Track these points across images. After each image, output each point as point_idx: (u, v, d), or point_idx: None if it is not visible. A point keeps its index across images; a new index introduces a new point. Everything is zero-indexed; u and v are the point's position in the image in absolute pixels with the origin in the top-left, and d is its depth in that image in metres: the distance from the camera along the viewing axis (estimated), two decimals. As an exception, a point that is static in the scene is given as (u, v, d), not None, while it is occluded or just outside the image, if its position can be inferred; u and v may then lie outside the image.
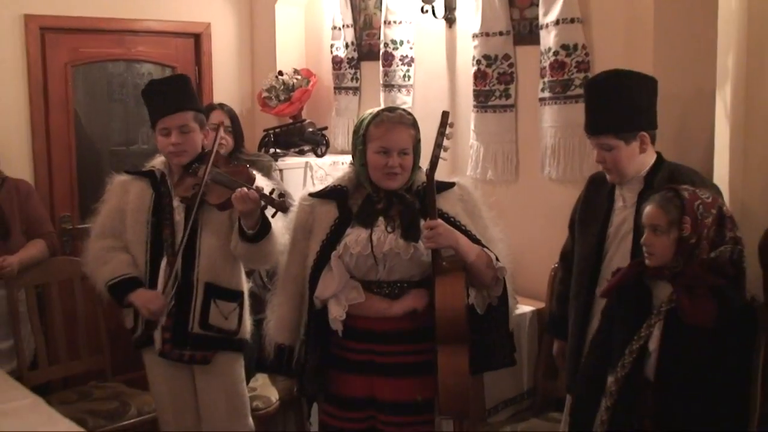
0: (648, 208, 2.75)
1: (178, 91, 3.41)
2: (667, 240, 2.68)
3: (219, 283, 3.35)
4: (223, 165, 3.34)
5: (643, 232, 2.94)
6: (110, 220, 3.44)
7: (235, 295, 3.41)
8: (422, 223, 2.84)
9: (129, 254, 3.40)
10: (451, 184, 3.00)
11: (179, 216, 3.34)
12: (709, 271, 2.64)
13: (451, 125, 2.91)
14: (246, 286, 3.50)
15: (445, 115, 2.92)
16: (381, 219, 2.91)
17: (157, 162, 3.48)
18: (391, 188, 2.91)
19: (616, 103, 3.01)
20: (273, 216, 3.17)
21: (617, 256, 3.08)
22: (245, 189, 3.07)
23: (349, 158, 4.97)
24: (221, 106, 4.50)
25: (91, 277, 3.46)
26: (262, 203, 3.10)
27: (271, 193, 3.09)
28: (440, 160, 2.87)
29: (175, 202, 3.35)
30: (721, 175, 3.41)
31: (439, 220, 2.81)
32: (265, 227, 3.17)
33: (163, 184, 3.40)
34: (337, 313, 2.90)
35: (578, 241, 3.27)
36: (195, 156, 3.36)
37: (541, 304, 4.10)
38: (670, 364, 2.65)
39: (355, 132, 2.97)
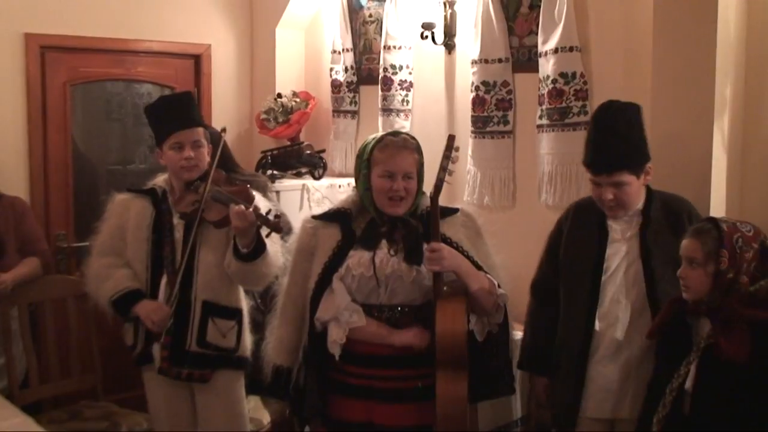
0: (685, 240, 2.68)
1: (191, 106, 3.45)
2: (703, 273, 2.61)
3: (217, 300, 3.34)
4: (224, 184, 3.34)
5: (653, 271, 2.95)
6: (111, 239, 3.44)
7: (233, 313, 3.40)
8: (425, 246, 2.83)
9: (129, 270, 3.40)
10: (455, 210, 3.01)
11: (179, 233, 3.35)
12: (748, 306, 2.54)
13: (457, 149, 2.89)
14: (246, 303, 3.48)
15: (451, 138, 2.89)
16: (384, 242, 2.91)
17: (159, 180, 3.49)
18: (395, 215, 2.90)
19: (627, 138, 2.98)
20: (267, 236, 3.17)
21: (613, 289, 3.07)
22: (243, 206, 3.06)
23: (346, 181, 5.03)
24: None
25: (93, 296, 3.45)
26: (258, 223, 3.09)
27: (268, 213, 3.09)
28: (444, 184, 2.87)
29: (175, 220, 3.36)
30: (718, 205, 3.41)
31: (442, 244, 2.81)
32: (259, 248, 3.17)
33: (164, 202, 3.40)
34: (336, 336, 2.88)
35: (567, 275, 3.22)
36: (202, 173, 3.37)
37: (536, 331, 4.07)
38: (704, 401, 2.58)
39: (359, 157, 2.97)
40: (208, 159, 3.41)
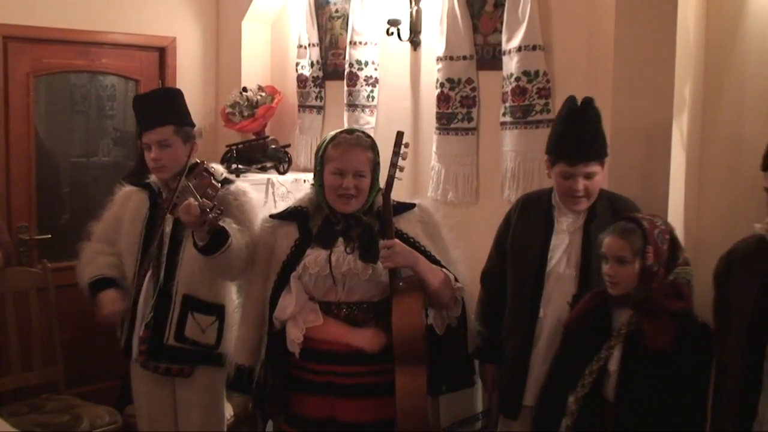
0: (610, 240, 2.81)
1: (158, 105, 3.39)
2: (632, 270, 2.76)
3: (197, 295, 3.34)
4: (202, 175, 3.18)
5: (591, 259, 3.02)
6: (106, 228, 3.50)
7: (214, 309, 3.38)
8: (380, 243, 2.86)
9: (115, 258, 3.44)
10: (412, 205, 3.03)
11: (168, 228, 3.35)
12: (670, 296, 2.72)
13: (406, 145, 2.94)
14: (232, 300, 3.44)
15: (399, 135, 2.96)
16: (341, 240, 2.93)
17: (153, 176, 3.49)
18: (346, 212, 2.93)
19: (598, 129, 3.11)
20: (209, 231, 3.03)
21: (555, 279, 3.14)
22: (190, 201, 2.95)
23: (311, 176, 5.00)
24: None
25: (78, 278, 3.47)
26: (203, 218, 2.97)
27: (212, 209, 2.93)
28: (399, 181, 2.90)
29: (167, 214, 3.33)
30: (676, 204, 3.47)
31: (396, 240, 2.84)
32: (217, 242, 3.04)
33: (159, 197, 3.42)
34: (294, 336, 2.91)
35: (513, 265, 3.29)
36: (178, 170, 3.33)
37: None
38: (630, 385, 2.72)
39: (316, 154, 3.01)
40: (186, 156, 3.38)
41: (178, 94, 3.50)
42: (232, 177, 3.58)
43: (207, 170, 3.25)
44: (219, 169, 3.47)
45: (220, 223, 2.99)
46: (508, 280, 3.31)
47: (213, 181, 3.18)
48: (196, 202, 2.91)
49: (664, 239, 2.78)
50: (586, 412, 2.77)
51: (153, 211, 3.40)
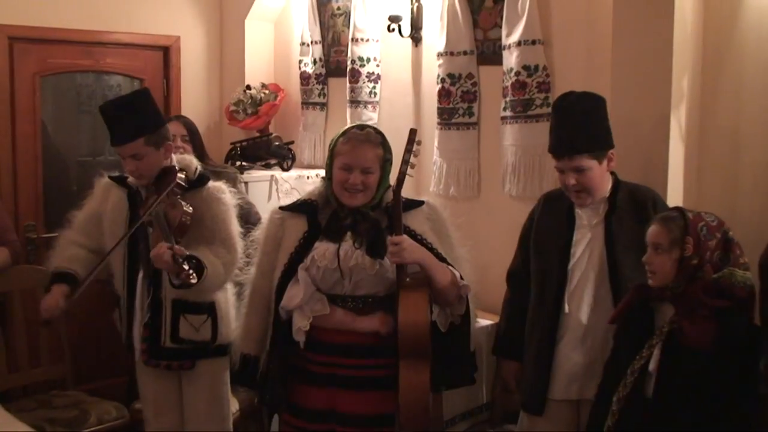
0: (651, 227, 2.76)
1: (125, 118, 3.29)
2: (668, 259, 2.68)
3: (185, 298, 3.35)
4: (173, 201, 3.25)
5: (615, 256, 3.01)
6: (85, 221, 3.48)
7: (205, 308, 3.41)
8: (388, 239, 2.88)
9: (86, 252, 3.43)
10: (420, 203, 3.04)
11: (152, 229, 3.34)
12: (711, 294, 2.61)
13: (419, 143, 2.94)
14: (223, 294, 3.47)
15: (412, 132, 2.94)
16: (349, 234, 2.95)
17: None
18: (352, 205, 2.94)
19: (591, 123, 3.05)
20: (181, 284, 3.12)
21: (579, 274, 3.13)
22: (164, 247, 3.02)
23: (314, 172, 5.08)
24: (178, 117, 4.51)
25: (47, 265, 3.47)
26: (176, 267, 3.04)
27: (185, 261, 3.01)
28: (407, 177, 2.92)
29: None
30: (675, 195, 3.49)
31: (405, 236, 2.84)
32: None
33: (138, 196, 3.41)
34: (300, 324, 2.92)
35: (536, 261, 3.29)
36: (156, 175, 3.34)
37: (500, 319, 4.14)
38: (668, 384, 2.65)
39: (329, 147, 3.02)
40: (167, 155, 3.37)
41: (144, 98, 3.40)
42: (209, 167, 3.57)
43: (179, 185, 3.26)
44: (192, 164, 3.44)
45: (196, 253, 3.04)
46: (531, 277, 3.30)
47: (185, 208, 3.21)
48: (170, 252, 2.99)
49: (711, 235, 2.67)
50: (629, 412, 2.70)
51: (133, 212, 3.37)
